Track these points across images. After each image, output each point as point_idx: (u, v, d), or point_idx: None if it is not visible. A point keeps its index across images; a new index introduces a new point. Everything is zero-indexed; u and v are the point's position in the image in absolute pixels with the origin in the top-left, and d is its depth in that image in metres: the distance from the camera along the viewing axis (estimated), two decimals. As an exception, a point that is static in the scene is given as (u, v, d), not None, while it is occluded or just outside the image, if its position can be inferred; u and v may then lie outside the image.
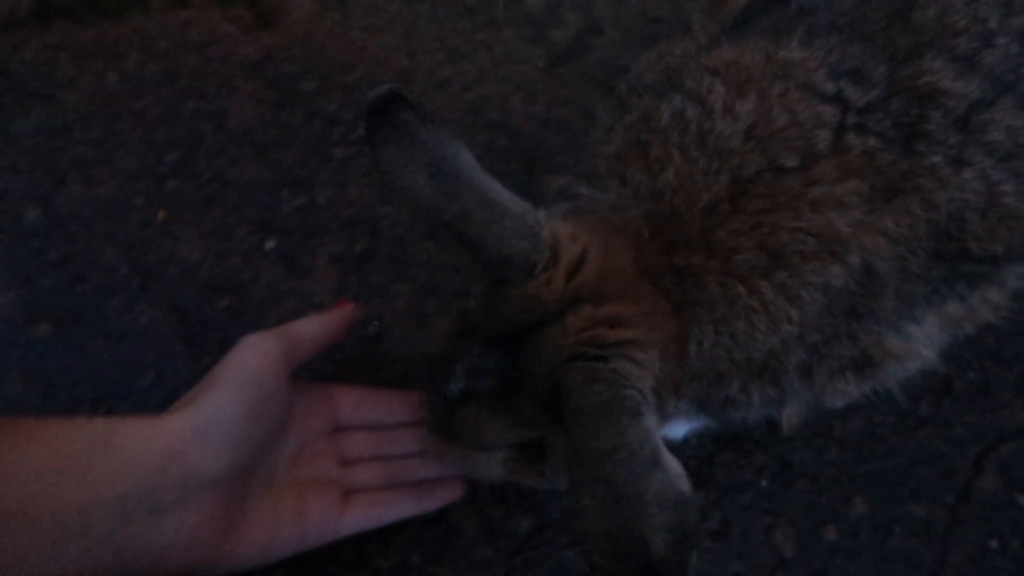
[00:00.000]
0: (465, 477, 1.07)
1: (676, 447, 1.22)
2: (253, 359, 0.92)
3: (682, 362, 0.81)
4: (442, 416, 0.87)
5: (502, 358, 0.80)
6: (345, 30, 1.52)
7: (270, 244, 1.33)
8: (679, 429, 1.11)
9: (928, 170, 0.79)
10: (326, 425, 1.05)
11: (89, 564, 0.75)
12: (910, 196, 0.79)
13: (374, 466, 1.06)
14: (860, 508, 1.21)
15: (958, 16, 0.82)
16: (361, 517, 1.01)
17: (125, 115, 1.40)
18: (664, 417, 0.85)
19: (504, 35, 1.52)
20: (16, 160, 1.34)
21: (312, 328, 1.01)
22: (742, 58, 0.86)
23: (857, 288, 0.80)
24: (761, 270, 0.78)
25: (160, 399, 1.25)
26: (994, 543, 1.20)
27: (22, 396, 1.16)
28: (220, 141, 1.40)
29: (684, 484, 0.67)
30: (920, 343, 0.88)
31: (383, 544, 1.12)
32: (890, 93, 0.81)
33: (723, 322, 0.79)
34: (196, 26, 1.50)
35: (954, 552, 1.20)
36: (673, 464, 0.69)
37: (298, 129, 1.42)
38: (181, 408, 0.86)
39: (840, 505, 1.21)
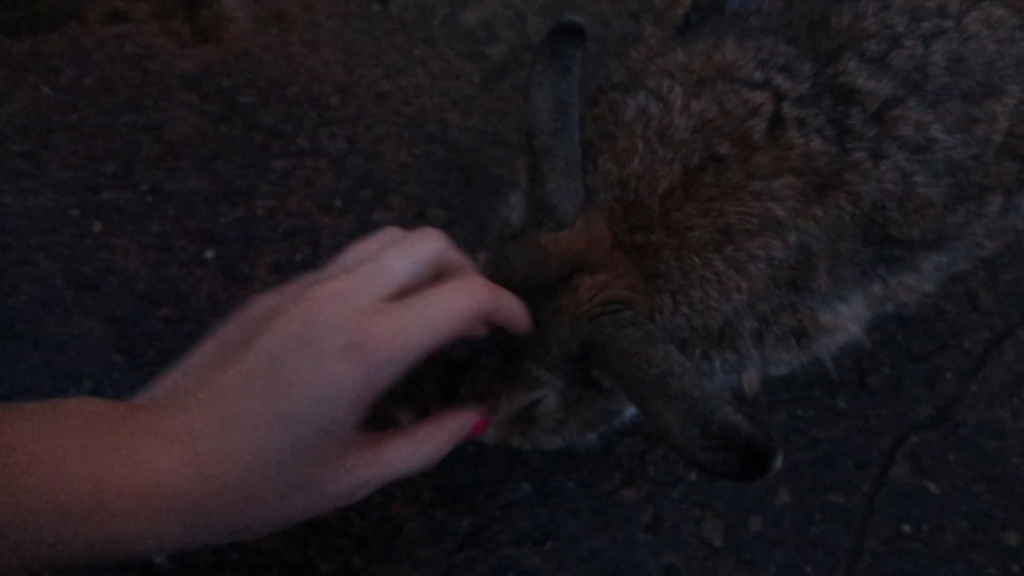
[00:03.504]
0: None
1: (610, 443, 1.27)
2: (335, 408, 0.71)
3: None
4: (441, 383, 0.90)
5: (500, 331, 0.86)
6: (284, 45, 1.54)
7: (209, 254, 1.34)
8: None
9: (853, 164, 0.90)
10: None
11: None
12: (838, 190, 0.90)
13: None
14: (784, 499, 1.28)
15: (869, 21, 0.92)
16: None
17: (60, 128, 1.40)
18: None
19: (441, 51, 1.56)
20: (-54, 172, 1.33)
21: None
22: (692, 62, 0.96)
23: (795, 264, 0.91)
24: (713, 245, 0.88)
25: (98, 410, 1.24)
26: (907, 527, 1.28)
27: (-46, 409, 1.14)
28: (158, 153, 1.41)
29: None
30: (847, 319, 1.00)
31: (325, 547, 1.14)
32: (819, 90, 0.91)
33: (680, 291, 0.90)
34: (133, 40, 1.50)
35: (870, 537, 1.27)
36: None
37: (237, 141, 1.43)
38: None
39: (765, 496, 1.27)
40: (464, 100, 1.52)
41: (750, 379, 1.04)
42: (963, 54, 0.91)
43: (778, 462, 0.75)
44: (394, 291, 0.74)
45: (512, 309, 0.83)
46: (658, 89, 0.95)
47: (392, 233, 0.85)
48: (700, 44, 0.99)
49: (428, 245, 0.79)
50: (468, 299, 0.75)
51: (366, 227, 1.39)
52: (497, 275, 0.88)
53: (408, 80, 1.53)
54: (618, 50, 1.44)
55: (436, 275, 0.80)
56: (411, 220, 1.40)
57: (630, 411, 1.18)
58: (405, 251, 0.77)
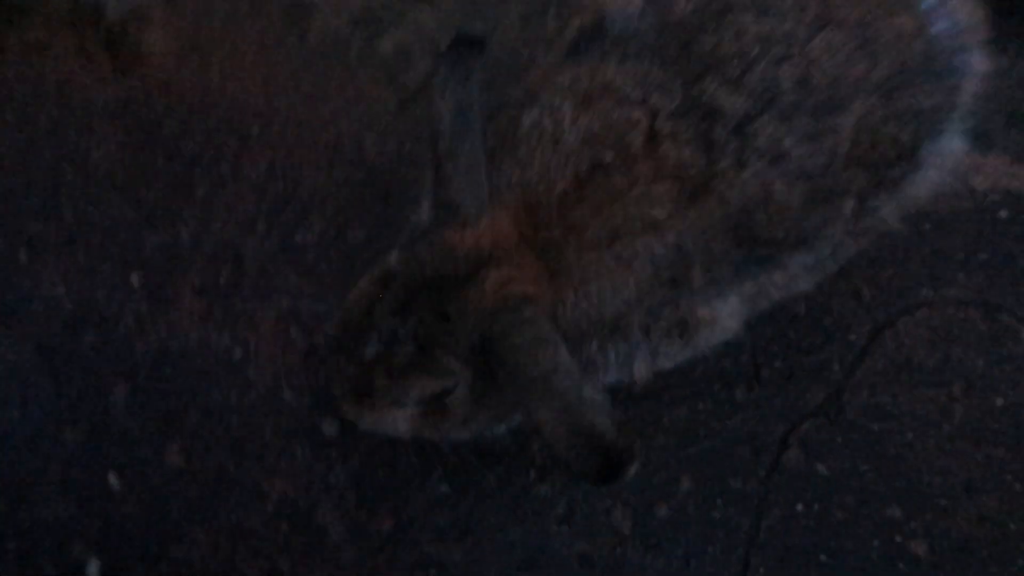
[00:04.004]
0: None
1: (525, 439, 1.36)
2: None
3: (555, 321, 0.99)
4: (356, 379, 1.00)
5: (416, 323, 0.95)
6: (204, 75, 1.60)
7: (135, 279, 1.39)
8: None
9: (720, 173, 1.03)
10: None
11: None
12: (709, 196, 1.03)
13: None
14: (687, 486, 1.38)
15: (727, 47, 1.05)
16: None
17: (-16, 162, 1.44)
18: None
19: (358, 78, 1.64)
20: None
21: None
22: (579, 82, 1.09)
23: (674, 261, 1.04)
24: (606, 243, 1.01)
25: (26, 434, 1.28)
26: (800, 507, 1.39)
27: None
28: (82, 183, 1.45)
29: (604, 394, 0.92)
30: (724, 314, 1.13)
31: (252, 552, 1.19)
32: (688, 107, 1.03)
33: (580, 285, 1.01)
34: (53, 73, 1.55)
35: (768, 518, 1.38)
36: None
37: (160, 170, 1.49)
38: None
39: (670, 485, 1.37)
40: (381, 124, 1.60)
41: (640, 370, 1.13)
42: (809, 75, 1.03)
43: (633, 470, 0.87)
44: None
45: None
46: (550, 105, 1.08)
47: None
48: (586, 65, 1.11)
49: None
50: None
51: (288, 248, 1.46)
52: (407, 271, 0.97)
53: (326, 106, 1.60)
54: (516, 69, 1.54)
55: None
56: (331, 240, 1.47)
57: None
58: None
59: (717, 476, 1.39)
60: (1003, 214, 1.62)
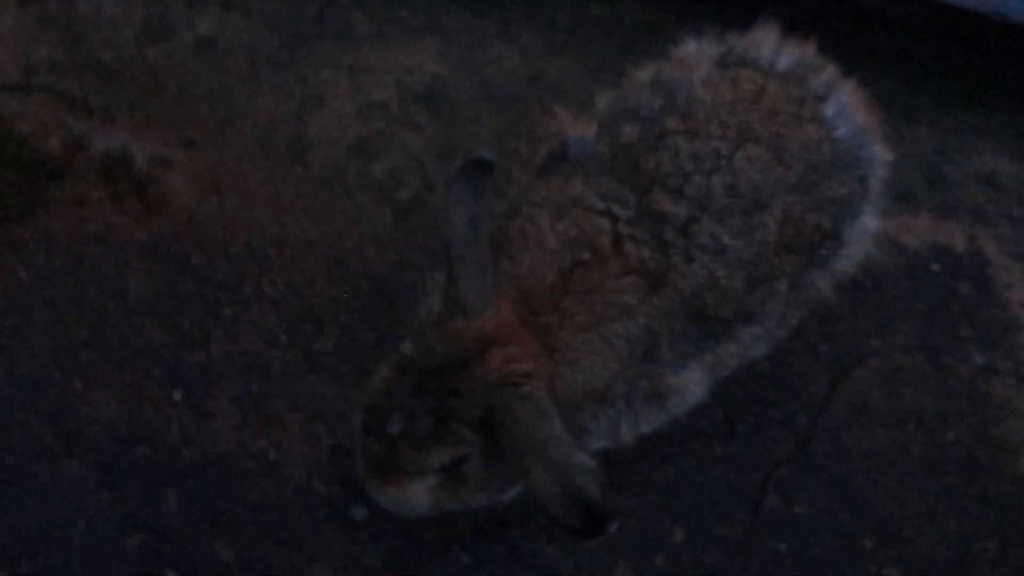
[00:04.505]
0: None
1: (534, 508, 1.53)
2: None
3: (554, 395, 1.16)
4: (379, 457, 1.19)
5: (432, 400, 1.13)
6: (223, 209, 1.82)
7: (177, 395, 1.58)
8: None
9: (673, 266, 1.25)
10: None
11: None
12: (666, 285, 1.25)
13: None
14: (680, 536, 1.55)
15: (666, 165, 1.28)
16: None
17: (37, 304, 1.64)
18: None
19: (357, 199, 1.87)
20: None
21: None
22: (552, 195, 1.32)
23: (645, 339, 1.25)
24: (592, 325, 1.22)
25: (92, 544, 1.45)
26: (783, 547, 1.56)
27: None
28: (124, 314, 1.66)
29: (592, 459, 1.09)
30: (689, 381, 1.33)
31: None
32: (641, 214, 1.26)
33: (574, 361, 1.22)
34: (94, 220, 1.76)
35: (754, 559, 1.55)
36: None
37: (192, 296, 1.69)
38: None
39: (664, 536, 1.54)
40: (380, 238, 1.82)
41: (625, 434, 1.32)
42: (736, 182, 1.26)
43: (614, 525, 1.05)
44: None
45: None
46: (530, 216, 1.30)
47: None
48: (555, 182, 1.35)
49: None
50: None
51: (308, 355, 1.66)
52: (421, 355, 1.16)
53: (331, 226, 1.83)
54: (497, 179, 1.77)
55: None
56: (346, 344, 1.67)
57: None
58: None
59: (706, 525, 1.55)
60: (935, 267, 1.84)
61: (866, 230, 1.43)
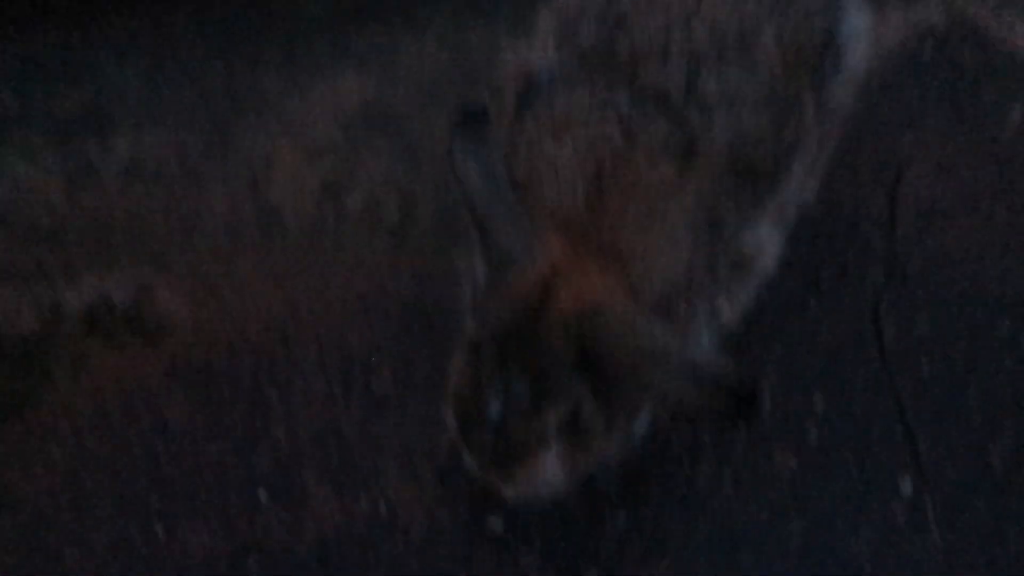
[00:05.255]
0: None
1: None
2: None
3: (640, 306, 1.08)
4: (493, 449, 1.06)
5: (520, 367, 1.02)
6: (223, 306, 1.70)
7: (262, 497, 1.46)
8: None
9: (697, 131, 1.16)
10: None
11: None
12: (700, 153, 1.16)
13: None
14: (820, 404, 1.43)
15: (641, 42, 1.21)
16: None
17: (86, 476, 1.51)
18: None
19: (346, 240, 1.78)
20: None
21: None
22: (543, 120, 1.21)
23: (703, 209, 1.16)
24: (647, 221, 1.12)
25: None
26: (924, 370, 1.45)
27: None
28: (175, 446, 1.54)
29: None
30: (765, 239, 1.26)
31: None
32: (638, 100, 1.18)
33: (645, 265, 1.11)
34: (104, 375, 1.63)
35: (903, 393, 1.44)
36: None
37: (231, 400, 1.58)
38: None
39: (805, 410, 1.42)
40: (386, 265, 1.72)
41: (727, 313, 1.23)
42: (715, 26, 1.19)
43: (765, 399, 0.93)
44: None
45: None
46: (530, 153, 1.21)
47: None
48: (539, 113, 1.25)
49: None
50: None
51: (372, 400, 1.54)
52: (488, 330, 1.05)
53: (335, 277, 1.72)
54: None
55: None
56: (405, 377, 1.56)
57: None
58: None
59: (840, 383, 1.46)
60: (928, 47, 1.77)
61: (858, 28, 1.37)
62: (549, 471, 1.11)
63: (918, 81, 1.75)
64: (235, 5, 2.15)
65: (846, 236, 1.61)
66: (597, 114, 1.19)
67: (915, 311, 1.51)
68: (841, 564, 1.30)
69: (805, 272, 1.57)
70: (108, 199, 1.88)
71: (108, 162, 1.96)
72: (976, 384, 1.44)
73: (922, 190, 1.65)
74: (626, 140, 1.16)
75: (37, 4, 2.15)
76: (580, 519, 1.35)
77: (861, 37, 1.39)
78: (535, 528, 1.36)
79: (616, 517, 1.35)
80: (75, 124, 2.02)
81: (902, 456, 1.38)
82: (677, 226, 1.14)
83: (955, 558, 1.30)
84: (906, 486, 1.36)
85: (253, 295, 1.72)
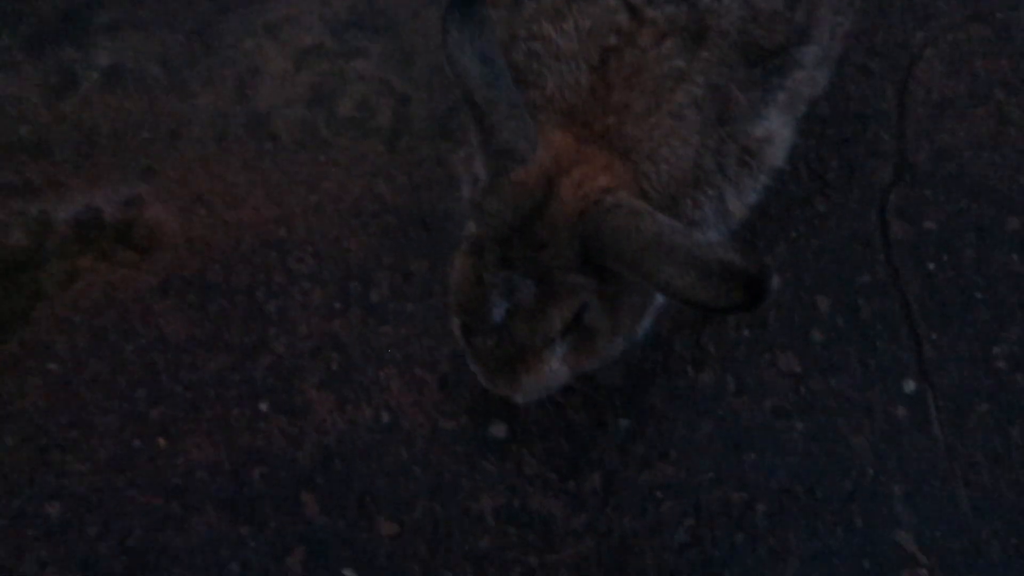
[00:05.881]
0: None
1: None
2: None
3: (647, 198, 1.04)
4: (497, 351, 1.04)
5: (524, 264, 0.99)
6: (215, 216, 1.66)
7: (263, 407, 1.45)
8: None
9: (706, 9, 1.10)
10: None
11: None
12: (709, 33, 1.10)
13: None
14: (825, 305, 1.41)
15: None
16: None
17: (83, 388, 1.50)
18: None
19: (340, 146, 1.72)
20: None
21: None
22: (542, 5, 1.16)
23: (713, 98, 1.10)
24: (653, 108, 1.07)
25: (254, 582, 1.35)
26: (931, 265, 1.43)
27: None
28: (173, 358, 1.52)
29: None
30: (775, 128, 1.19)
31: (502, 569, 1.24)
32: None
33: (652, 153, 1.07)
34: (96, 287, 1.61)
35: (909, 290, 1.42)
36: None
37: (228, 311, 1.56)
38: None
39: (811, 312, 1.41)
40: (381, 170, 1.67)
41: (735, 206, 1.19)
42: None
43: (775, 283, 0.88)
44: None
45: None
46: (529, 34, 1.15)
47: None
48: None
49: None
50: None
51: (371, 310, 1.52)
52: (490, 226, 1.02)
53: (328, 184, 1.68)
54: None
55: None
56: (402, 283, 1.54)
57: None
58: None
59: (846, 282, 1.44)
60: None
61: None
62: (554, 372, 1.09)
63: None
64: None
65: (853, 132, 1.56)
66: None
67: (923, 208, 1.47)
68: (843, 462, 1.31)
69: (811, 170, 1.52)
70: (90, 108, 1.81)
71: (88, 70, 1.87)
72: (983, 283, 1.42)
73: (933, 84, 1.58)
74: (632, 17, 1.10)
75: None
76: (582, 424, 1.35)
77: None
78: (537, 433, 1.36)
79: (618, 422, 1.35)
80: (51, 30, 1.93)
81: (906, 356, 1.37)
82: (685, 115, 1.08)
83: (957, 455, 1.30)
84: (909, 386, 1.36)
85: (245, 205, 1.68)
